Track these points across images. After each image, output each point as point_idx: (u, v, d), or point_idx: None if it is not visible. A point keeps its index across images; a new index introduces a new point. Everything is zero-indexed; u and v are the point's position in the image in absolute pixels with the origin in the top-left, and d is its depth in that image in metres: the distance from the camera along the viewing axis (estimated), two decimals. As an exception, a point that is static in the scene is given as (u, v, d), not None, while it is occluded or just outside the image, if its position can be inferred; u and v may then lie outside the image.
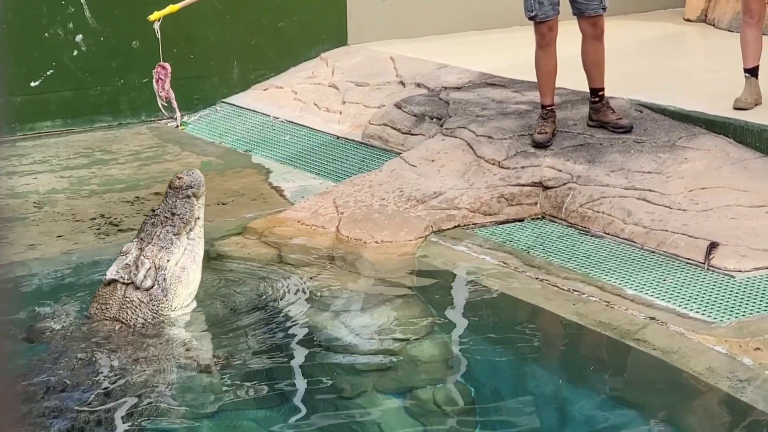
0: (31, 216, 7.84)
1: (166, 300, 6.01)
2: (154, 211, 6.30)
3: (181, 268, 6.09)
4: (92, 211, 7.90)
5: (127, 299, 6.00)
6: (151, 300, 5.99)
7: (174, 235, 6.14)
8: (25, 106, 9.87)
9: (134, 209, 7.94)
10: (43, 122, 9.99)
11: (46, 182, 8.60)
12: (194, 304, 6.15)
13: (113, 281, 6.04)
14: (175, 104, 6.23)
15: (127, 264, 6.06)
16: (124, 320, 5.94)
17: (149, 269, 6.02)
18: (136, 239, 6.17)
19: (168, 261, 6.07)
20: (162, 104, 6.31)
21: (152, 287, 5.99)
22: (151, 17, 6.71)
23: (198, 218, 6.26)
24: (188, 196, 6.25)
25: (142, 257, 6.04)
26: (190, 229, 6.22)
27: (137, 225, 7.51)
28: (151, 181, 8.58)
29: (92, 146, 9.61)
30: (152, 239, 6.11)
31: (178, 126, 6.13)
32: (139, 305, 5.99)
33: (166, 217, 6.19)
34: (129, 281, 6.01)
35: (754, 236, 6.51)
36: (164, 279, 6.03)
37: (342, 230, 7.24)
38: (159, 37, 6.67)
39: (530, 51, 8.04)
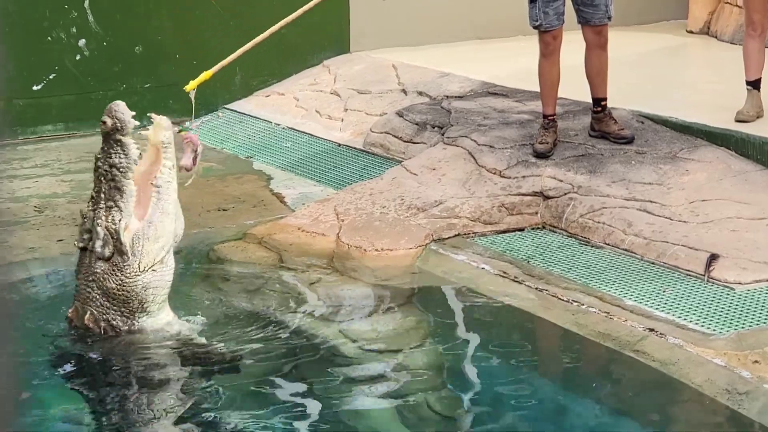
0: (32, 220, 7.84)
1: (130, 264, 5.65)
2: (97, 161, 5.84)
3: (148, 222, 5.69)
4: (93, 216, 7.89)
5: (92, 269, 5.73)
6: (115, 268, 5.67)
7: (117, 189, 5.70)
8: (26, 109, 9.87)
9: (135, 214, 7.93)
10: (44, 126, 9.98)
11: (47, 186, 8.59)
12: (171, 259, 5.79)
13: (83, 248, 5.78)
14: (195, 168, 6.10)
15: (86, 229, 5.75)
16: (94, 292, 5.70)
17: (104, 236, 5.67)
18: (88, 201, 5.80)
19: (120, 220, 5.66)
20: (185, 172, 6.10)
21: (113, 255, 5.66)
22: (188, 87, 6.72)
23: (138, 159, 5.77)
24: (118, 140, 5.75)
25: (95, 223, 5.68)
26: (129, 175, 5.72)
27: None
28: (152, 186, 8.56)
29: (94, 150, 9.44)
30: (100, 198, 5.72)
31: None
32: (104, 276, 5.70)
33: (106, 170, 5.75)
34: (91, 249, 5.69)
35: (754, 249, 6.51)
36: (120, 242, 5.63)
37: (342, 237, 7.24)
38: (194, 104, 6.66)
39: (532, 60, 8.05)
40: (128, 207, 5.69)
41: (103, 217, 5.68)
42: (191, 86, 6.76)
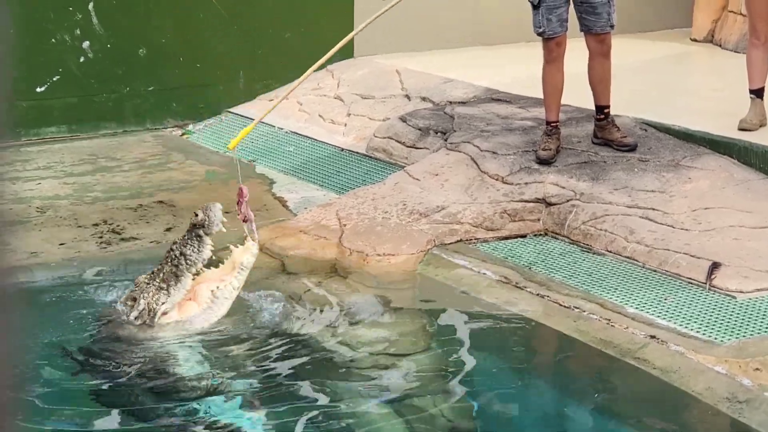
0: (34, 221, 7.84)
1: (147, 332, 5.96)
2: (174, 244, 6.17)
3: (188, 321, 5.98)
4: (95, 218, 7.90)
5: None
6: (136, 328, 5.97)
7: (175, 276, 5.99)
8: (30, 111, 9.88)
9: (137, 216, 7.94)
10: (47, 128, 9.99)
11: (50, 188, 8.60)
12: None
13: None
14: (254, 226, 6.27)
15: (132, 297, 6.03)
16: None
17: (141, 311, 5.95)
18: (149, 272, 6.09)
19: (163, 304, 5.95)
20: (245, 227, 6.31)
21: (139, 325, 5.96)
22: (230, 146, 6.74)
23: (208, 259, 6.09)
24: (199, 236, 6.09)
25: (141, 294, 5.97)
26: (196, 273, 6.05)
27: (139, 233, 7.57)
28: (154, 189, 8.58)
29: (96, 153, 9.62)
30: (158, 276, 6.00)
31: (256, 245, 6.20)
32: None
33: (175, 256, 6.05)
34: (126, 316, 5.99)
35: (756, 257, 6.51)
36: (152, 323, 5.94)
37: (344, 242, 7.24)
38: (238, 163, 6.70)
39: (536, 67, 8.05)
40: (176, 296, 5.98)
41: (151, 294, 5.95)
42: (233, 145, 6.75)
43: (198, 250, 6.03)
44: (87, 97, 10.09)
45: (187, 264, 5.99)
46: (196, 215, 6.10)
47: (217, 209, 6.13)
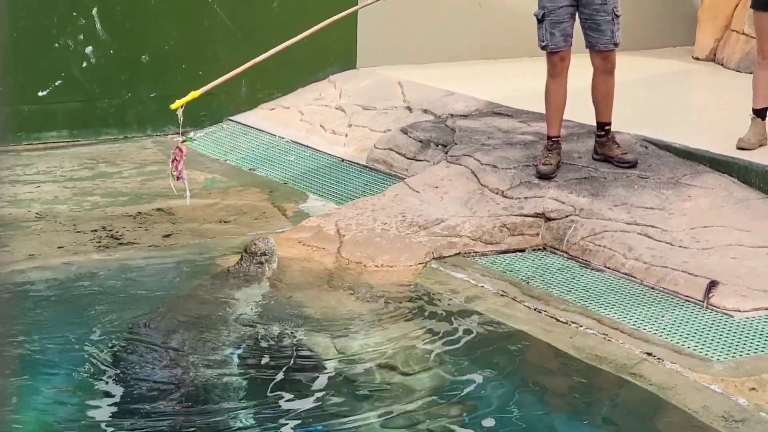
0: (33, 225, 7.84)
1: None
2: (228, 271, 6.79)
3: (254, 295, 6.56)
4: (94, 224, 7.90)
5: None
6: None
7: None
8: (32, 115, 9.89)
9: (136, 223, 7.94)
10: (49, 132, 10.00)
11: (50, 192, 8.60)
12: None
13: None
14: (186, 185, 6.61)
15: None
16: None
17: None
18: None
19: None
20: (173, 183, 6.69)
21: None
22: (174, 106, 6.84)
23: (266, 279, 6.77)
24: (261, 263, 6.80)
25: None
26: (260, 291, 6.65)
27: (138, 239, 7.56)
28: (154, 195, 8.58)
29: (97, 158, 9.62)
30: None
31: (188, 202, 6.64)
32: None
33: (242, 279, 6.70)
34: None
35: (754, 276, 6.51)
36: None
37: (343, 252, 7.24)
38: (180, 121, 6.83)
39: (538, 82, 8.06)
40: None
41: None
42: (177, 105, 6.86)
43: (261, 274, 6.77)
44: (89, 102, 10.11)
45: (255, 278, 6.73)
46: (257, 245, 6.86)
47: (272, 242, 6.97)
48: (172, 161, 6.72)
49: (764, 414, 5.21)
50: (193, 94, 6.96)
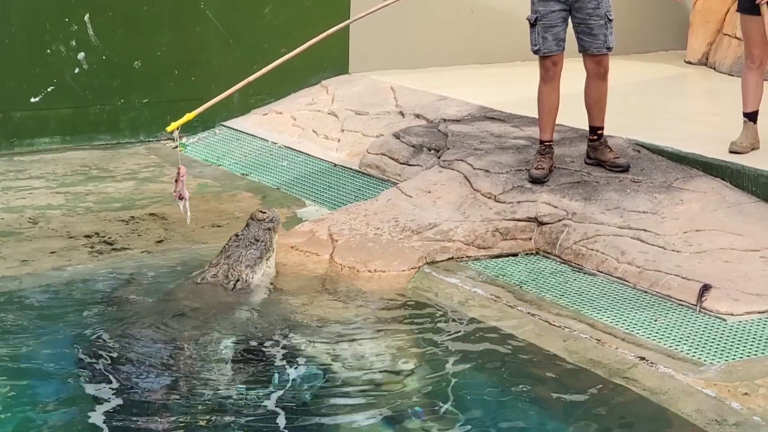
0: (26, 231, 7.83)
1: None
2: (237, 235, 6.97)
3: (257, 286, 6.79)
4: (87, 229, 7.90)
5: None
6: None
7: (257, 257, 6.86)
8: (24, 121, 9.89)
9: (129, 229, 7.93)
10: (41, 138, 9.99)
11: (42, 198, 8.60)
12: None
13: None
14: (187, 204, 6.80)
15: (215, 274, 6.72)
16: None
17: (237, 281, 6.70)
18: (222, 256, 6.83)
19: (252, 278, 6.76)
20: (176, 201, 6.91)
21: None
22: (169, 128, 6.85)
23: (275, 249, 7.05)
24: (269, 229, 7.05)
25: (232, 270, 6.74)
26: (269, 257, 6.95)
27: (131, 244, 7.56)
28: (147, 201, 8.58)
29: (90, 164, 9.62)
30: (240, 258, 6.81)
31: (188, 222, 6.87)
32: None
33: (251, 242, 6.93)
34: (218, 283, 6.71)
35: (747, 280, 6.52)
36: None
37: (336, 258, 7.24)
38: (178, 143, 6.93)
39: (530, 86, 8.07)
40: (258, 274, 6.88)
41: (238, 271, 6.81)
42: (173, 127, 6.89)
43: (270, 240, 7.02)
44: (81, 108, 10.10)
45: (264, 249, 6.95)
46: (264, 213, 7.15)
47: (277, 212, 7.31)
48: (175, 181, 6.89)
49: (757, 418, 5.22)
50: (188, 116, 6.97)
